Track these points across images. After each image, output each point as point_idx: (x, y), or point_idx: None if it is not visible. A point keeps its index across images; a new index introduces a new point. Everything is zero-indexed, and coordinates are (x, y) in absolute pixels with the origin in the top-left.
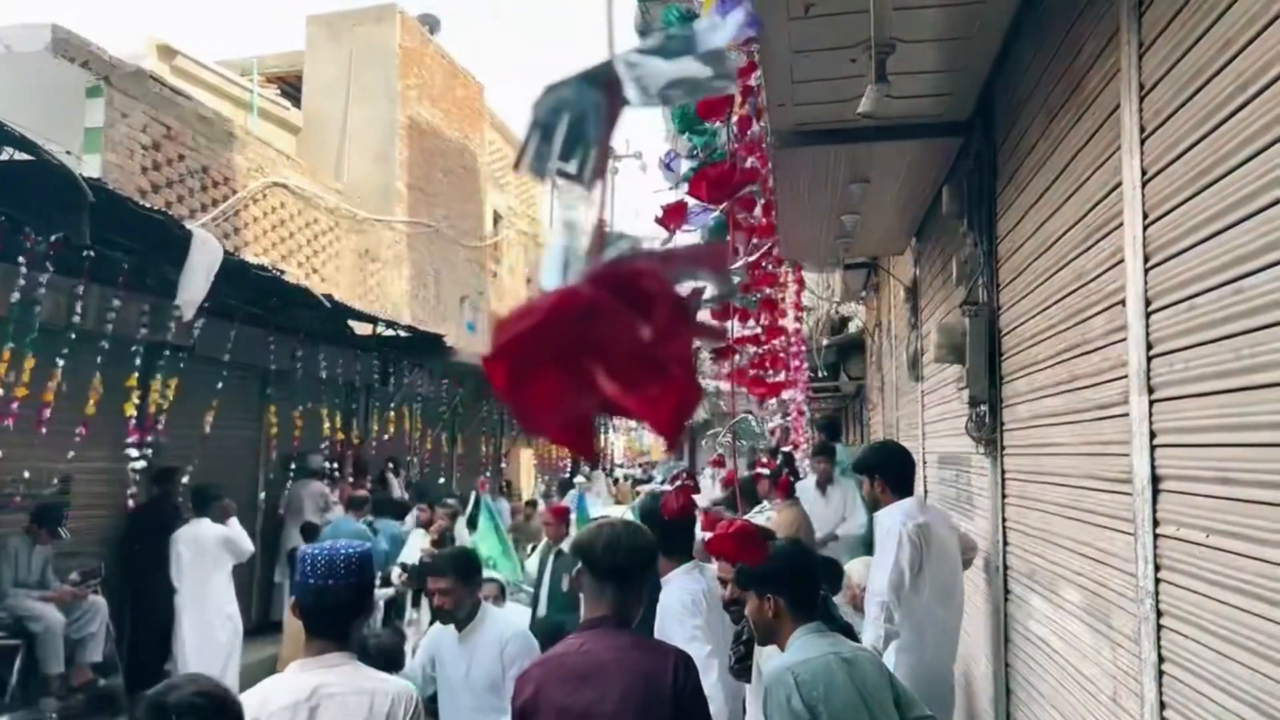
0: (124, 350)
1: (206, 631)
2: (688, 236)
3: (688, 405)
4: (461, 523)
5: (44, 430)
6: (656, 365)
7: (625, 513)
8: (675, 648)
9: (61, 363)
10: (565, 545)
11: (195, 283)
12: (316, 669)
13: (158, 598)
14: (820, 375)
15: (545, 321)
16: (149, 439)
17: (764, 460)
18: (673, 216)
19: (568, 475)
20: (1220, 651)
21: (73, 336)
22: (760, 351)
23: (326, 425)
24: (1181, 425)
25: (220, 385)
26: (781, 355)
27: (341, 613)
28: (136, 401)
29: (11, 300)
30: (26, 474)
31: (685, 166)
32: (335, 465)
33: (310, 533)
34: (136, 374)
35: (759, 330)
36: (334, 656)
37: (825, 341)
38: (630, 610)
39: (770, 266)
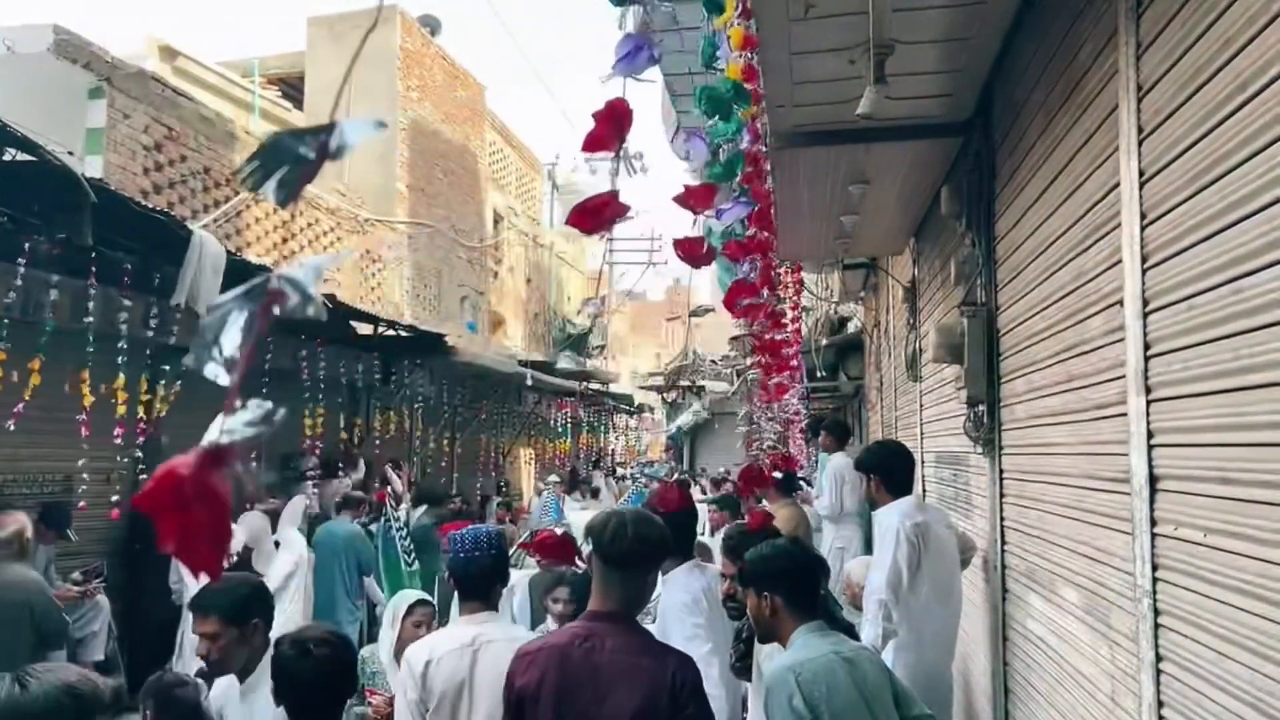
0: (129, 351)
1: None
2: (726, 221)
3: (221, 554)
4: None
5: (85, 432)
6: (211, 520)
7: None
8: (677, 651)
9: (90, 364)
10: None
11: (207, 283)
12: (474, 623)
13: (159, 597)
14: (819, 375)
15: (160, 483)
16: (146, 439)
17: (783, 457)
18: (698, 199)
19: (568, 473)
20: (1218, 651)
21: (90, 338)
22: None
23: (324, 425)
24: (1179, 425)
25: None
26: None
27: (486, 578)
28: (144, 400)
29: (7, 300)
30: (76, 473)
31: (703, 156)
32: (340, 465)
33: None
34: (146, 375)
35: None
36: (484, 615)
37: (824, 342)
38: (636, 602)
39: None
